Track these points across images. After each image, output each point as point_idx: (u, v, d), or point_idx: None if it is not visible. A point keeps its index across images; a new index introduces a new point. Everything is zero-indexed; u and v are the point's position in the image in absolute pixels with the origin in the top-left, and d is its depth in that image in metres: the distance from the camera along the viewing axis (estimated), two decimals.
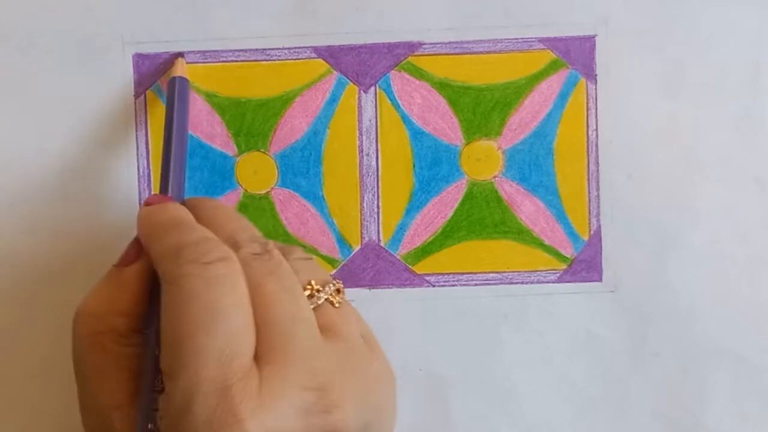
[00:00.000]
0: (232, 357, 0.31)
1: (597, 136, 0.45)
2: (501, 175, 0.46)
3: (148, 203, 0.38)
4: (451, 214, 0.46)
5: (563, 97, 0.45)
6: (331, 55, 0.45)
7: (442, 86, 0.45)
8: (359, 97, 0.45)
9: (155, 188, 0.45)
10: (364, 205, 0.45)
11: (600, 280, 0.46)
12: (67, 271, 0.45)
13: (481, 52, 0.45)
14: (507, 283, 0.46)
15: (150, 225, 0.36)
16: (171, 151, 0.40)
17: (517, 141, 0.45)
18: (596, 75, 0.45)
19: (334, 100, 0.45)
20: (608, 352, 0.46)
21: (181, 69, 0.43)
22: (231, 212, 0.39)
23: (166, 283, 0.33)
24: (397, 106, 0.45)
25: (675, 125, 0.45)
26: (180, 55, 0.44)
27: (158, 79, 0.45)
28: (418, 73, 0.45)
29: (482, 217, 0.46)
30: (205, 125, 0.45)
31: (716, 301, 0.45)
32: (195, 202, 0.39)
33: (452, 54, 0.45)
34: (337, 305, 0.36)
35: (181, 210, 0.37)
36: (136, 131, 0.45)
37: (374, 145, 0.45)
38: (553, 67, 0.45)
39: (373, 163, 0.45)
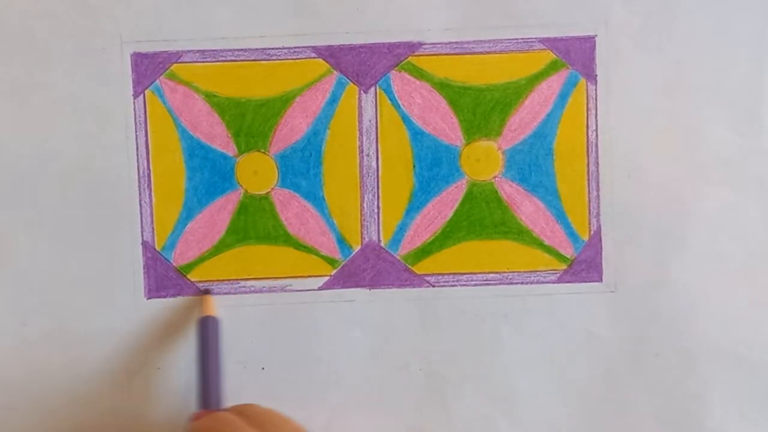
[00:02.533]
0: None
1: (597, 136, 0.45)
2: (501, 176, 0.46)
3: (196, 418, 0.39)
4: (451, 214, 0.46)
5: (563, 97, 0.45)
6: (331, 55, 0.45)
7: (442, 86, 0.45)
8: (359, 97, 0.45)
9: (157, 197, 0.45)
10: (365, 205, 0.45)
11: (600, 280, 0.46)
12: (67, 271, 0.45)
13: (481, 52, 0.45)
14: (507, 284, 0.46)
15: None
16: (208, 367, 0.42)
17: (517, 141, 0.45)
18: (596, 75, 0.45)
19: (334, 100, 0.45)
20: (608, 353, 0.46)
21: (208, 307, 0.44)
22: (281, 415, 0.40)
23: None
24: (397, 107, 0.45)
25: (675, 125, 0.45)
26: (207, 291, 0.45)
27: (157, 79, 0.45)
28: (418, 73, 0.45)
29: (482, 217, 0.46)
30: (205, 125, 0.45)
31: (716, 301, 0.46)
32: (241, 408, 0.40)
33: (452, 54, 0.45)
34: None
35: (233, 417, 0.39)
36: (136, 131, 0.45)
37: (374, 146, 0.45)
38: (553, 68, 0.45)
39: (373, 163, 0.45)
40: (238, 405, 0.41)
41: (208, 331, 0.43)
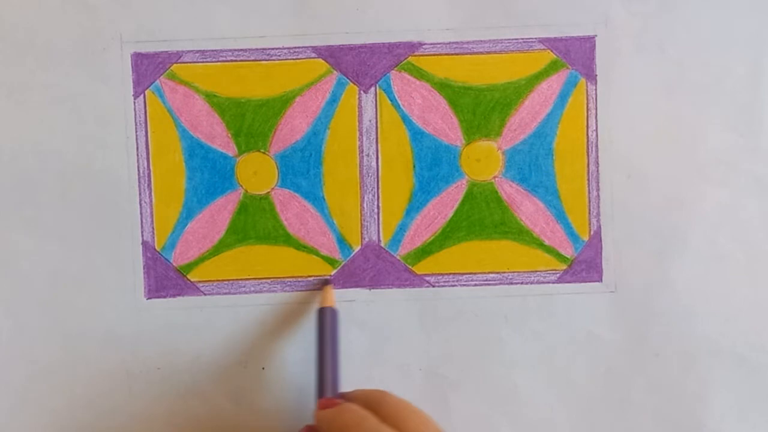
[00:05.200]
0: None
1: (597, 136, 0.45)
2: (501, 176, 0.46)
3: (323, 406, 0.39)
4: (451, 214, 0.46)
5: (563, 97, 0.45)
6: (331, 55, 0.45)
7: (443, 86, 0.45)
8: (359, 97, 0.45)
9: (157, 197, 0.45)
10: (365, 205, 0.45)
11: (600, 280, 0.46)
12: (67, 271, 0.45)
13: (481, 53, 0.45)
14: (507, 284, 0.46)
15: (336, 427, 0.38)
16: (327, 357, 0.42)
17: (517, 141, 0.45)
18: (596, 75, 0.45)
19: (334, 100, 0.45)
20: (608, 352, 0.46)
21: (328, 298, 0.44)
22: (420, 412, 0.39)
23: None
24: (397, 107, 0.45)
25: (675, 125, 0.45)
26: (327, 282, 0.45)
27: (157, 79, 0.45)
28: (419, 73, 0.45)
29: (482, 217, 0.46)
30: (205, 125, 0.45)
31: (716, 301, 0.46)
32: (372, 398, 0.40)
33: (452, 54, 0.45)
34: None
35: (363, 410, 0.38)
36: (136, 131, 0.45)
37: (374, 146, 0.45)
38: (553, 68, 0.45)
39: (373, 163, 0.45)
40: (368, 391, 0.40)
41: (326, 320, 0.43)
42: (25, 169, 0.45)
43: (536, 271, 0.46)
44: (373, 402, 0.39)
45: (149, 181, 0.45)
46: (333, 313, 0.44)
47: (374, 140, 0.45)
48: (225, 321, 0.45)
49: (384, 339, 0.46)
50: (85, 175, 0.45)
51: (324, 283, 0.45)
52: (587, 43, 0.45)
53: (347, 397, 0.40)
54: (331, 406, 0.39)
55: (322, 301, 0.44)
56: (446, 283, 0.46)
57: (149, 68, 0.45)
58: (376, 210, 0.45)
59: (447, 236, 0.46)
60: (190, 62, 0.45)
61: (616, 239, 0.46)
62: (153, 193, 0.45)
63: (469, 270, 0.46)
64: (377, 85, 0.45)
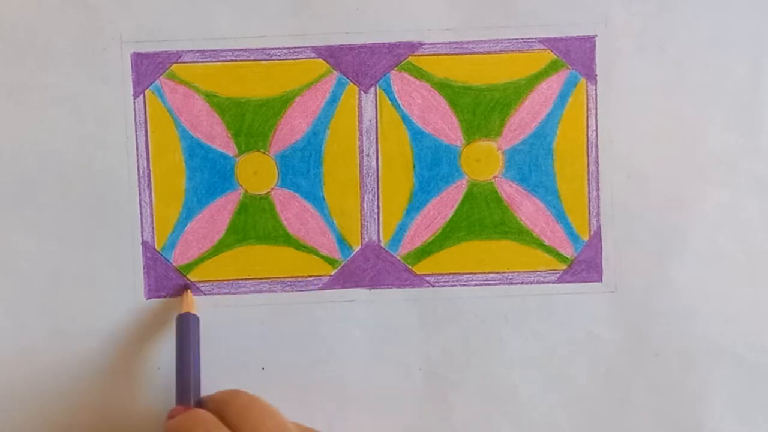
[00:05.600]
0: None
1: (597, 136, 0.45)
2: (501, 176, 0.46)
3: (172, 415, 0.39)
4: (451, 214, 0.46)
5: (563, 97, 0.45)
6: (331, 55, 0.45)
7: (443, 86, 0.45)
8: (359, 98, 0.45)
9: (157, 197, 0.45)
10: (365, 205, 0.45)
11: (600, 280, 0.46)
12: (67, 271, 0.45)
13: (481, 53, 0.45)
14: (507, 284, 0.46)
15: None
16: (188, 364, 0.42)
17: (517, 141, 0.45)
18: (596, 75, 0.45)
19: (334, 100, 0.45)
20: (608, 352, 0.46)
21: (187, 304, 0.44)
22: (264, 408, 0.39)
23: None
24: (397, 107, 0.45)
25: (675, 125, 0.45)
26: (186, 287, 0.45)
27: (157, 79, 0.45)
28: (418, 73, 0.45)
29: (482, 217, 0.46)
30: (205, 125, 0.45)
31: (716, 301, 0.46)
32: (222, 399, 0.40)
33: (452, 54, 0.45)
34: None
35: (208, 416, 0.38)
36: (136, 131, 0.45)
37: (374, 146, 0.45)
38: (553, 68, 0.45)
39: (373, 163, 0.45)
40: (221, 393, 0.41)
41: (186, 327, 0.43)
42: (25, 169, 0.45)
43: (536, 271, 0.46)
44: (221, 403, 0.39)
45: (149, 181, 0.45)
46: (193, 319, 0.43)
47: (374, 140, 0.45)
48: (225, 321, 0.45)
49: (384, 339, 0.46)
50: (85, 175, 0.45)
51: (184, 289, 0.45)
52: (587, 43, 0.45)
53: (202, 402, 0.40)
54: (179, 413, 0.39)
55: (182, 308, 0.44)
56: (446, 283, 0.46)
57: (149, 68, 0.45)
58: (376, 210, 0.45)
59: (447, 236, 0.46)
60: (190, 62, 0.45)
61: (616, 239, 0.46)
62: (153, 193, 0.45)
63: (469, 270, 0.46)
64: (377, 85, 0.45)
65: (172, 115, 0.45)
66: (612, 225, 0.46)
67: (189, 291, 0.45)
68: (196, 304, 0.44)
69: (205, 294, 0.45)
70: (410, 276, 0.46)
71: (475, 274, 0.46)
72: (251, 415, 0.38)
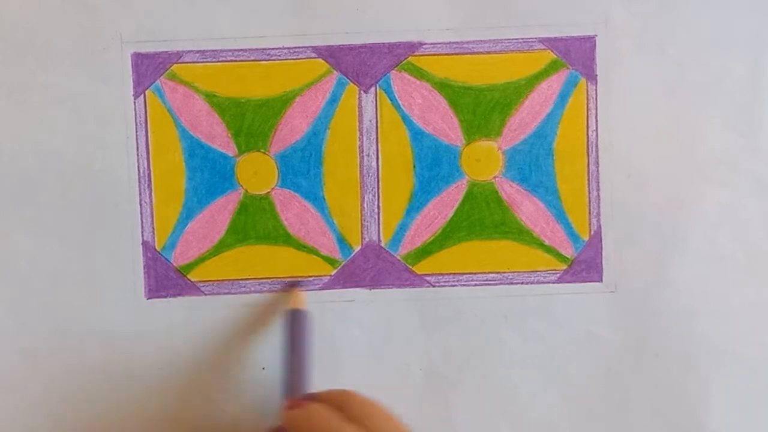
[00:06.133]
0: None
1: (597, 136, 0.45)
2: (501, 176, 0.46)
3: (291, 406, 0.40)
4: (451, 214, 0.46)
5: (563, 97, 0.45)
6: (331, 55, 0.45)
7: (443, 86, 0.45)
8: (359, 97, 0.45)
9: (157, 197, 0.45)
10: (365, 205, 0.45)
11: (600, 280, 0.46)
12: (67, 271, 0.45)
13: (481, 53, 0.45)
14: (507, 284, 0.46)
15: (303, 428, 0.38)
16: (296, 358, 0.42)
17: (517, 141, 0.45)
18: (596, 75, 0.45)
19: (334, 100, 0.45)
20: (608, 352, 0.46)
21: (298, 301, 0.45)
22: (382, 410, 0.40)
23: None
24: (397, 107, 0.45)
25: (675, 125, 0.45)
26: (294, 285, 0.45)
27: (157, 79, 0.45)
28: (419, 73, 0.45)
29: (482, 217, 0.46)
30: (205, 125, 0.45)
31: (716, 301, 0.46)
32: (338, 397, 0.40)
33: (452, 54, 0.45)
34: None
35: (331, 411, 0.39)
36: (136, 131, 0.45)
37: (374, 146, 0.45)
38: (553, 68, 0.45)
39: (374, 163, 0.45)
40: (333, 391, 0.41)
41: (296, 322, 0.43)
42: (25, 169, 0.45)
43: (536, 271, 0.46)
44: (339, 402, 0.39)
45: (149, 181, 0.45)
46: (303, 315, 0.43)
47: (374, 140, 0.45)
48: (225, 321, 0.45)
49: (384, 339, 0.46)
50: (85, 175, 0.45)
51: (292, 286, 0.45)
52: (587, 43, 0.45)
53: (314, 398, 0.40)
54: (298, 406, 0.39)
55: (291, 303, 0.44)
56: (446, 283, 0.46)
57: (149, 68, 0.45)
58: (376, 210, 0.45)
59: (447, 236, 0.46)
60: (190, 62, 0.45)
61: (616, 239, 0.46)
62: (153, 193, 0.45)
63: (469, 270, 0.46)
64: (377, 85, 0.45)
65: (173, 115, 0.45)
66: (612, 225, 0.46)
67: (298, 288, 0.45)
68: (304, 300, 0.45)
69: (205, 294, 0.45)
70: (410, 276, 0.46)
71: (475, 274, 0.46)
72: (373, 414, 0.39)
